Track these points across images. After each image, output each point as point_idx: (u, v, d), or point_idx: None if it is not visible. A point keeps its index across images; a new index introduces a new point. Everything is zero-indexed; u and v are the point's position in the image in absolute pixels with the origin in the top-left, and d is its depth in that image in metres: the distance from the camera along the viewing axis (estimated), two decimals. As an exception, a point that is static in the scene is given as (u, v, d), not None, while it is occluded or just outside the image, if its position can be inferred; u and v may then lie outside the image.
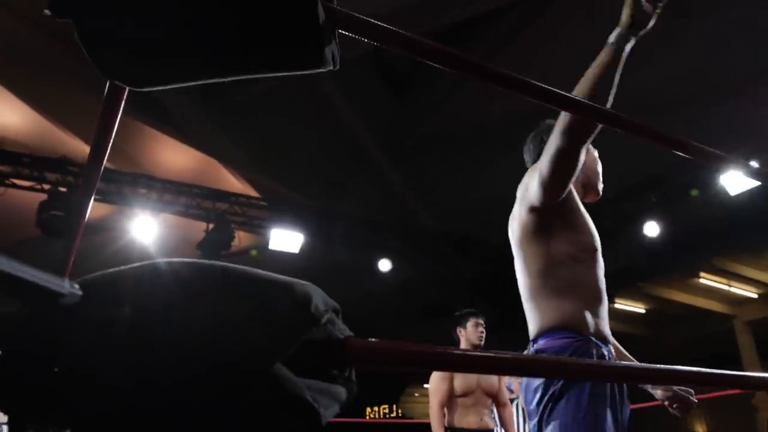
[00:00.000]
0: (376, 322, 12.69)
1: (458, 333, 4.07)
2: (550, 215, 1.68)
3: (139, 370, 0.53)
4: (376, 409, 18.83)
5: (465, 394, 3.86)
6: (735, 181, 6.40)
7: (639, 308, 12.92)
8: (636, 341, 14.42)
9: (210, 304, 0.56)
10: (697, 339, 13.92)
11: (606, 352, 1.65)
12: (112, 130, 0.82)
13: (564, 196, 1.62)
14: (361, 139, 7.60)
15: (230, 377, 0.53)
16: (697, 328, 13.51)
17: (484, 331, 4.02)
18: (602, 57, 1.45)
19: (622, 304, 12.61)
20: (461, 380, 3.87)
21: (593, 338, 1.63)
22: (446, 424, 3.89)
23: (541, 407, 1.55)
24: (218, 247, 6.83)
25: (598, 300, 1.73)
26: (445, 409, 3.92)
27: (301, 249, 7.10)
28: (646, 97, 6.34)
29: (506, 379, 5.33)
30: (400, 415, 20.26)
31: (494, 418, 4.28)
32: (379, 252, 7.73)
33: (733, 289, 11.99)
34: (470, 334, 4.00)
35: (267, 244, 7.06)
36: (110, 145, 0.84)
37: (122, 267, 0.60)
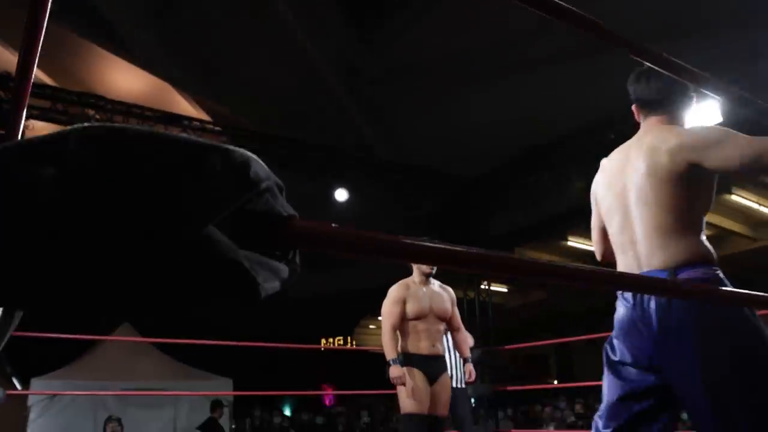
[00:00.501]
0: (330, 255, 12.75)
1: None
2: (710, 173, 1.86)
3: (63, 235, 0.50)
4: (330, 340, 19.17)
5: (417, 318, 3.88)
6: (693, 121, 6.45)
7: (590, 246, 13.16)
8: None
9: (139, 165, 0.53)
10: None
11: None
12: (40, 37, 0.78)
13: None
14: (318, 65, 7.43)
15: (160, 240, 0.51)
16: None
17: None
18: None
19: (574, 242, 12.87)
20: (414, 304, 3.88)
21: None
22: (399, 349, 3.92)
23: None
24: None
25: None
26: (398, 334, 3.96)
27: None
28: (644, 25, 6.27)
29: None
30: (354, 346, 20.71)
31: (447, 344, 4.36)
32: (335, 182, 7.65)
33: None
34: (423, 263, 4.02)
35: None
36: (38, 54, 0.80)
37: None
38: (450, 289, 4.19)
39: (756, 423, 1.61)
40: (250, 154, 0.60)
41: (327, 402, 19.59)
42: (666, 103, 2.01)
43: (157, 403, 8.42)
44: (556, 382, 16.31)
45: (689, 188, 1.85)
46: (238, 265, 0.54)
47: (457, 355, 5.36)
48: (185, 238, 0.51)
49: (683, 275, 1.79)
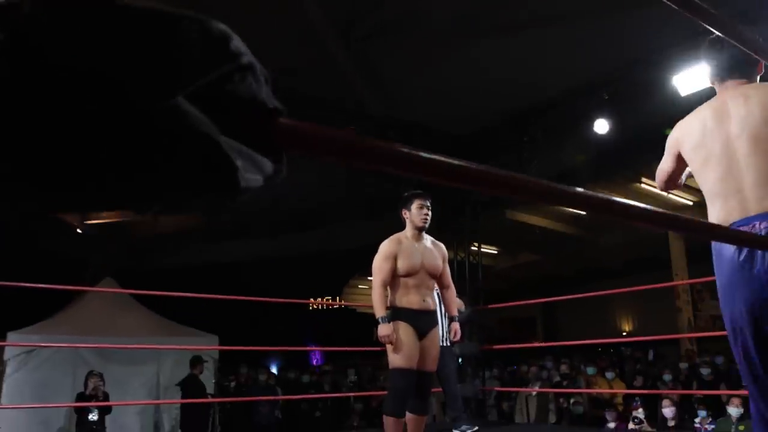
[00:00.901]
0: (321, 213, 12.64)
1: (404, 215, 3.98)
2: None
3: (19, 105, 0.44)
4: (319, 300, 19.17)
5: (408, 274, 3.81)
6: (686, 82, 6.34)
7: (579, 209, 13.17)
8: (575, 241, 14.85)
9: (103, 30, 0.46)
10: (632, 242, 14.38)
11: None
12: None
13: None
14: (312, 17, 7.20)
15: (125, 111, 0.46)
16: (633, 232, 13.91)
17: (429, 213, 3.92)
18: None
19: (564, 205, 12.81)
20: (405, 260, 3.81)
21: None
22: (388, 304, 3.86)
23: None
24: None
25: None
26: (388, 289, 3.89)
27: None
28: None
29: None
30: (343, 306, 20.72)
31: (437, 299, 4.29)
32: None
33: (671, 196, 12.28)
34: (414, 216, 3.91)
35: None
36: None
37: None
38: (442, 246, 4.12)
39: None
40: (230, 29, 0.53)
41: (314, 361, 19.72)
42: (746, 66, 2.27)
43: (140, 359, 8.34)
44: (538, 345, 16.45)
45: None
46: (213, 143, 0.49)
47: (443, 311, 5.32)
48: (154, 108, 0.46)
49: None
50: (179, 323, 9.31)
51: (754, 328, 1.99)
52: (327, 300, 19.17)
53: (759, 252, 1.93)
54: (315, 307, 21.56)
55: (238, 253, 14.30)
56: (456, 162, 0.69)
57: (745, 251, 1.97)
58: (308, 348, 19.81)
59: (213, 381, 8.75)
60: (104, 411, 7.25)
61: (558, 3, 6.48)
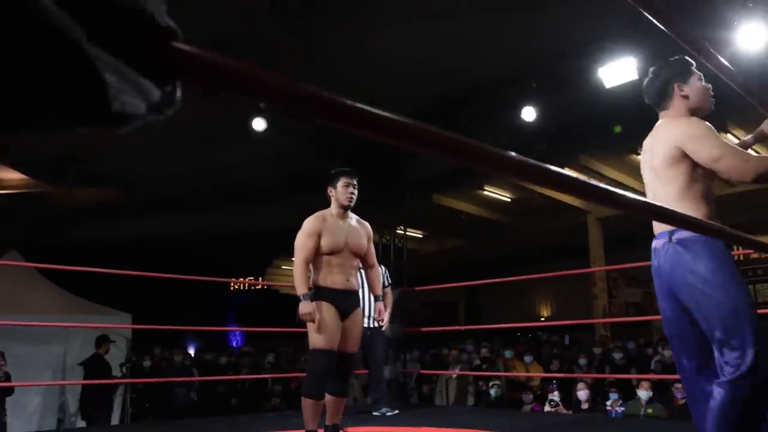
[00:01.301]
0: (246, 191, 12.33)
1: (329, 193, 3.87)
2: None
3: None
4: (241, 281, 18.80)
5: (332, 252, 3.71)
6: (611, 75, 6.45)
7: (505, 197, 13.38)
8: (499, 228, 15.09)
9: None
10: (553, 230, 14.74)
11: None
12: None
13: None
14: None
15: None
16: (554, 220, 14.25)
17: (354, 192, 3.82)
18: None
19: (490, 192, 12.97)
20: (329, 237, 3.70)
21: None
22: (311, 283, 3.75)
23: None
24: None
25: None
26: (311, 268, 3.77)
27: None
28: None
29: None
30: (265, 287, 20.38)
31: (360, 279, 4.20)
32: (254, 111, 7.22)
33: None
34: (339, 193, 3.81)
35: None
36: None
37: None
38: (367, 225, 4.03)
39: None
40: None
41: (234, 343, 19.36)
42: (659, 97, 2.65)
43: (46, 338, 7.88)
44: (459, 330, 16.72)
45: (679, 170, 2.51)
46: (75, 48, 0.40)
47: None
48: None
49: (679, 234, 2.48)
50: (90, 300, 8.87)
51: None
52: (249, 280, 18.81)
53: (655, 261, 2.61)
54: (236, 287, 21.17)
55: (158, 229, 13.82)
56: (373, 111, 0.61)
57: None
58: (224, 328, 19.44)
59: (121, 362, 8.38)
60: (5, 392, 6.84)
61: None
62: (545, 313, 18.72)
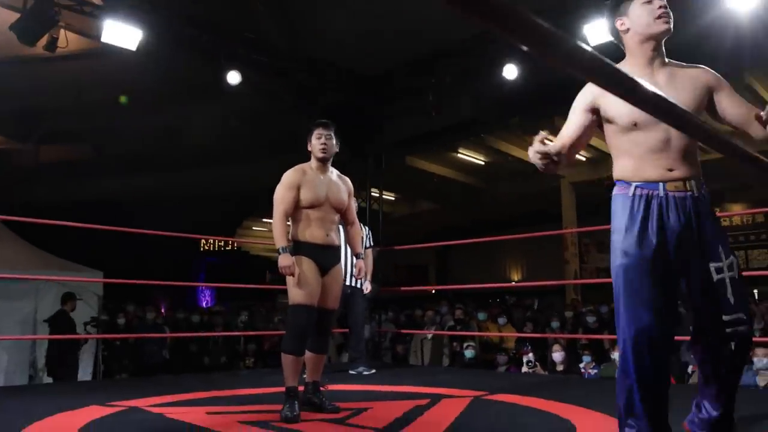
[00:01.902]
0: (218, 151, 12.13)
1: (309, 146, 3.77)
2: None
3: None
4: (211, 241, 18.67)
5: (312, 206, 3.62)
6: (596, 32, 6.38)
7: (480, 160, 13.37)
8: (473, 191, 15.12)
9: None
10: (527, 195, 14.82)
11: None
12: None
13: None
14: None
15: None
16: (528, 185, 14.31)
17: (327, 143, 3.71)
18: None
19: (464, 155, 12.95)
20: (309, 191, 3.61)
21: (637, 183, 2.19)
22: (290, 237, 3.66)
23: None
24: (37, 31, 5.83)
25: None
26: (290, 221, 3.69)
27: (140, 48, 6.23)
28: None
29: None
30: (235, 248, 20.26)
31: (340, 234, 4.14)
32: (228, 64, 7.02)
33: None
34: (313, 146, 3.71)
35: (99, 36, 6.09)
36: None
37: None
38: (348, 180, 3.94)
39: None
40: None
41: (203, 303, 19.28)
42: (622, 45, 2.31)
43: (16, 294, 7.71)
44: (433, 291, 16.86)
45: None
46: None
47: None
48: None
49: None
50: (60, 257, 8.69)
51: None
52: (219, 242, 18.66)
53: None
54: (207, 247, 20.99)
55: (128, 188, 13.57)
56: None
57: None
58: (199, 284, 19.30)
59: (86, 320, 8.25)
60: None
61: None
62: (516, 277, 18.93)
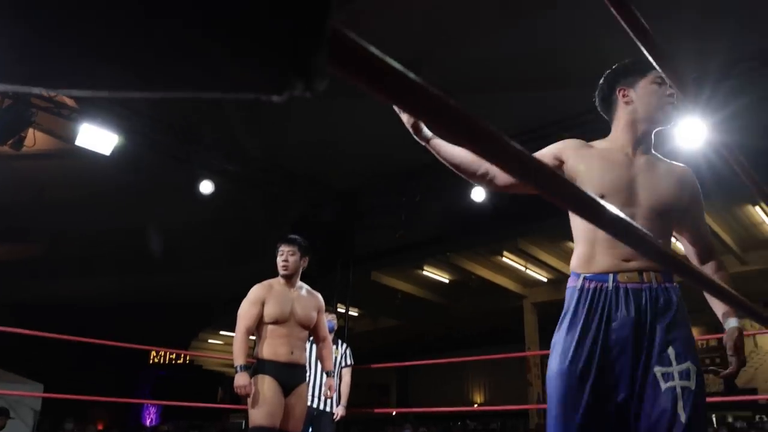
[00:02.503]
0: (180, 255, 11.85)
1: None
2: None
3: None
4: (161, 354, 17.86)
5: (276, 322, 3.47)
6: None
7: (444, 278, 13.35)
8: (436, 309, 14.98)
9: None
10: (490, 314, 14.74)
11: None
12: None
13: None
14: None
15: None
16: (491, 303, 14.28)
17: (287, 260, 3.63)
18: None
19: (429, 272, 12.92)
20: (274, 306, 3.48)
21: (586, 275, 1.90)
22: (254, 354, 3.48)
23: None
24: (11, 130, 5.73)
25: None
26: (255, 336, 3.51)
27: (114, 152, 6.15)
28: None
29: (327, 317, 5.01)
30: (188, 362, 19.38)
31: (307, 352, 3.95)
32: (201, 173, 6.97)
33: (528, 271, 12.76)
34: (277, 263, 3.66)
35: (74, 140, 5.99)
36: None
37: None
38: (318, 295, 3.82)
39: None
40: None
41: (147, 421, 18.18)
42: (603, 104, 2.10)
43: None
44: (394, 413, 16.30)
45: None
46: None
47: (333, 370, 4.97)
48: None
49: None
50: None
51: None
52: (171, 355, 17.88)
53: None
54: (156, 359, 20.01)
55: (77, 291, 13.04)
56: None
57: None
58: (144, 401, 18.27)
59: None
60: None
61: (450, 77, 6.59)
62: (478, 399, 18.46)
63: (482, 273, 12.68)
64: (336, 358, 5.25)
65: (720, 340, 1.88)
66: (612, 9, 0.83)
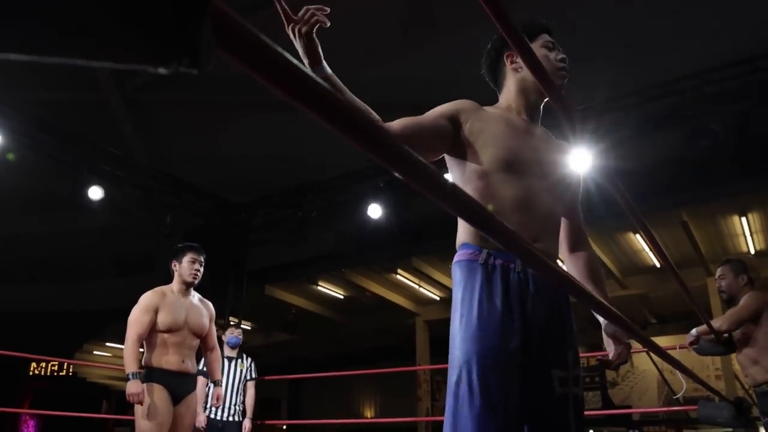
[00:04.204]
0: (61, 265, 11.40)
1: (173, 267, 3.70)
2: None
3: None
4: (42, 365, 16.92)
5: (169, 331, 3.51)
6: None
7: (338, 293, 13.47)
8: (331, 325, 15.07)
9: None
10: (383, 330, 14.99)
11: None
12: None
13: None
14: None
15: None
16: (384, 320, 14.52)
17: (200, 269, 3.69)
18: None
19: (323, 287, 13.02)
20: (167, 314, 3.51)
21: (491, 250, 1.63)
22: (143, 362, 3.50)
23: None
24: None
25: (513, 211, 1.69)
26: (143, 345, 3.53)
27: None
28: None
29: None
30: (71, 373, 18.42)
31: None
32: (91, 179, 6.79)
33: (422, 289, 13.10)
34: (184, 269, 3.66)
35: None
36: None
37: None
38: (210, 304, 3.88)
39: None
40: None
41: (24, 435, 17.16)
42: (495, 80, 1.95)
43: None
44: (285, 427, 16.18)
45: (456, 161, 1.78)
46: None
47: (236, 383, 5.04)
48: None
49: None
50: None
51: None
52: (53, 365, 16.96)
53: None
54: (37, 371, 18.88)
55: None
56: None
57: None
58: (21, 410, 17.21)
59: None
60: None
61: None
62: (369, 414, 18.64)
63: (377, 290, 12.89)
64: (242, 371, 5.33)
65: (600, 359, 1.78)
66: (509, 41, 0.91)
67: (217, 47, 0.37)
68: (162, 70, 0.34)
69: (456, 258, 1.68)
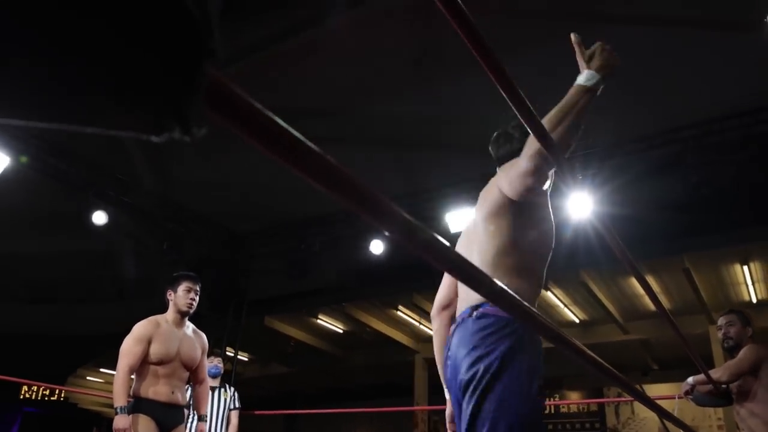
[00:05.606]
0: (58, 287, 11.36)
1: (168, 296, 3.67)
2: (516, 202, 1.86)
3: None
4: (34, 389, 16.76)
5: (161, 362, 3.46)
6: (456, 221, 6.94)
7: (338, 328, 13.39)
8: (329, 358, 14.94)
9: None
10: (381, 366, 14.84)
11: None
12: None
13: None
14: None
15: None
16: (384, 356, 14.39)
17: (195, 299, 3.66)
18: (578, 99, 1.69)
19: (323, 321, 12.95)
20: (160, 345, 3.47)
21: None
22: (132, 393, 3.45)
23: (475, 382, 1.66)
24: None
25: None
26: (134, 374, 3.49)
27: (6, 174, 5.95)
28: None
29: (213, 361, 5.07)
30: (63, 398, 18.24)
31: (188, 394, 3.96)
32: (96, 203, 6.82)
33: (422, 326, 13.01)
34: (179, 298, 3.63)
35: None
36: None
37: None
38: (203, 336, 3.84)
39: None
40: None
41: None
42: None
43: None
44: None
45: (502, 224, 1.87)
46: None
47: (220, 413, 4.99)
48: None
49: (483, 309, 1.78)
50: None
51: None
52: (44, 391, 16.81)
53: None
54: (28, 395, 18.70)
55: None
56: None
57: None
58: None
59: None
60: None
61: (347, 130, 6.82)
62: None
63: (377, 325, 12.82)
64: (225, 401, 5.29)
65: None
66: (499, 87, 0.96)
67: (214, 114, 0.37)
68: (155, 139, 0.35)
69: (486, 311, 1.78)
